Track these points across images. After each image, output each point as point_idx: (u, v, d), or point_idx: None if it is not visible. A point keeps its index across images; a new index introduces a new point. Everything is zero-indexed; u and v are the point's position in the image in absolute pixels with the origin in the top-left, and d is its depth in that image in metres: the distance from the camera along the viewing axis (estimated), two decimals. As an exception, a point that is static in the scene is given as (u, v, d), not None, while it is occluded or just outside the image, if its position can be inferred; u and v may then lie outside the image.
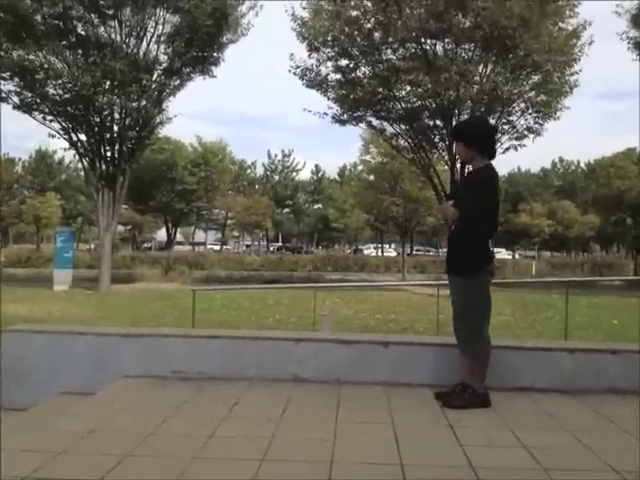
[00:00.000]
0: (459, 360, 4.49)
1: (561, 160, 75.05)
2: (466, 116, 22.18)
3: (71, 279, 22.54)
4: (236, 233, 71.79)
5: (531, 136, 22.60)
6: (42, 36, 19.32)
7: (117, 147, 21.91)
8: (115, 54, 20.00)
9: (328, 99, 22.92)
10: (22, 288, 19.67)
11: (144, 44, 21.31)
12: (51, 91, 20.84)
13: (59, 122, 21.42)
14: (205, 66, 22.27)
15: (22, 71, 19.60)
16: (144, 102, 21.03)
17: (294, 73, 22.48)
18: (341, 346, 5.03)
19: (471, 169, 4.52)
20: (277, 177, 74.13)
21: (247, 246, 72.28)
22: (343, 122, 23.54)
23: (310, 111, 22.99)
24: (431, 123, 23.05)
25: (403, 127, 23.62)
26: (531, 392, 4.69)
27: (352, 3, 21.37)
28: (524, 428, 3.77)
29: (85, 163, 22.45)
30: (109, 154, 21.98)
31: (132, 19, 20.83)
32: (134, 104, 21.07)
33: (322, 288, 16.02)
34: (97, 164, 21.86)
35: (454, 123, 22.06)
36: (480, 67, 21.48)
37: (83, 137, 21.84)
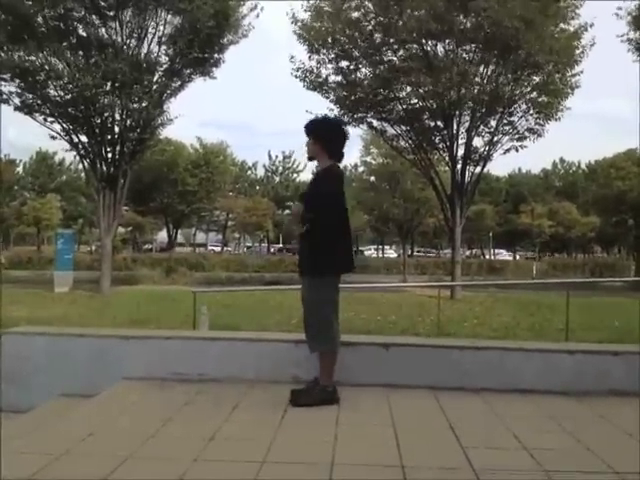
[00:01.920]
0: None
1: (562, 161, 75.03)
2: (467, 117, 22.21)
3: (72, 281, 22.55)
4: (237, 234, 71.77)
5: (532, 137, 22.60)
6: (43, 37, 19.35)
7: (118, 148, 21.90)
8: (116, 55, 20.02)
9: (329, 100, 22.94)
10: (23, 290, 19.68)
11: (145, 45, 21.35)
12: (52, 92, 20.85)
13: (60, 123, 21.43)
14: (206, 67, 22.29)
15: (23, 72, 19.60)
16: (145, 103, 21.03)
17: (295, 75, 22.51)
18: (342, 348, 5.02)
19: (318, 168, 4.61)
20: (278, 178, 74.15)
21: (248, 247, 72.26)
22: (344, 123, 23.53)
23: (311, 113, 23.00)
24: (432, 124, 23.05)
25: (404, 128, 23.61)
26: (532, 394, 4.68)
27: (353, 4, 21.38)
28: (525, 430, 3.77)
29: (86, 164, 22.47)
30: (110, 155, 21.98)
31: (133, 20, 20.85)
32: (135, 105, 21.09)
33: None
34: (98, 165, 21.87)
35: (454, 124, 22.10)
36: (481, 68, 21.48)
37: (84, 138, 21.86)
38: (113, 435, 3.60)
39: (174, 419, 3.93)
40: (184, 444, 3.41)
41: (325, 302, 4.40)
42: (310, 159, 4.61)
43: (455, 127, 22.29)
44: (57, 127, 21.47)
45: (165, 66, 21.83)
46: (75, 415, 4.13)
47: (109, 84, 20.52)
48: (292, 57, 22.19)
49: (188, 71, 22.29)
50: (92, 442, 3.44)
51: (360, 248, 72.03)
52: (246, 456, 3.21)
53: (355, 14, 21.37)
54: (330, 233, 4.31)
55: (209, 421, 3.85)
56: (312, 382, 4.47)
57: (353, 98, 22.19)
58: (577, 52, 20.98)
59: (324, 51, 21.96)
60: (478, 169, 23.34)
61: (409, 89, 22.36)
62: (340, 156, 4.59)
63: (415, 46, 21.42)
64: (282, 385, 4.77)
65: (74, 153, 23.02)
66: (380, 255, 64.21)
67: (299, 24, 21.83)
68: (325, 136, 4.51)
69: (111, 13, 20.52)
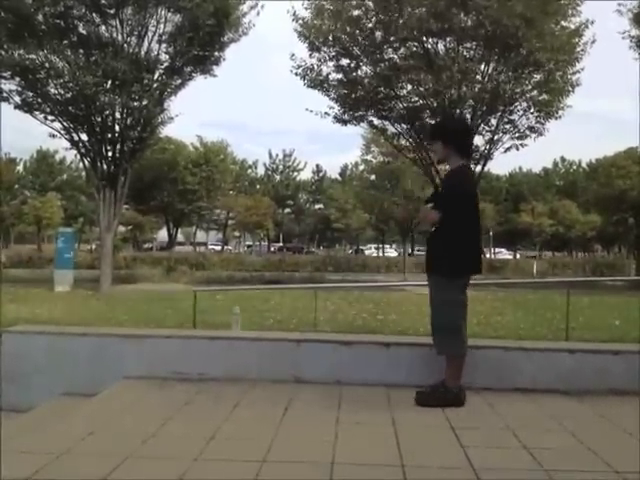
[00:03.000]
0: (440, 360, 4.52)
1: (563, 160, 75.07)
2: (468, 115, 22.19)
3: (72, 280, 22.51)
4: (237, 233, 71.82)
5: (533, 135, 22.58)
6: (43, 35, 19.32)
7: (118, 147, 21.85)
8: (116, 53, 19.98)
9: (329, 99, 22.94)
10: (23, 289, 19.66)
11: (145, 43, 21.28)
12: (52, 91, 20.80)
13: (60, 122, 21.39)
14: (206, 65, 22.25)
15: (23, 70, 19.56)
16: (146, 101, 21.00)
17: (295, 73, 22.50)
18: (342, 347, 5.03)
19: (448, 169, 4.59)
20: (278, 177, 74.17)
21: (248, 246, 72.29)
22: (344, 122, 23.53)
23: (312, 111, 23.00)
24: (432, 122, 23.03)
25: (404, 126, 23.61)
26: (532, 393, 4.69)
27: (354, 2, 21.37)
28: (525, 429, 3.77)
29: (86, 163, 22.42)
30: (110, 154, 21.92)
31: (133, 18, 20.80)
32: (136, 103, 21.04)
33: (323, 288, 16.02)
34: (98, 164, 21.82)
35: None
36: (482, 66, 21.47)
37: (84, 137, 21.81)
38: (113, 434, 3.60)
39: (174, 418, 3.93)
40: (185, 443, 3.41)
41: (454, 304, 4.39)
42: (440, 162, 4.63)
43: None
44: (57, 125, 21.47)
45: (165, 64, 21.79)
46: (75, 414, 4.13)
47: (109, 82, 20.49)
48: (293, 55, 22.22)
49: (188, 69, 22.24)
50: (92, 441, 3.45)
51: (360, 247, 72.09)
52: (247, 455, 3.22)
53: (356, 12, 21.37)
54: (461, 234, 4.31)
55: (209, 420, 3.85)
56: (437, 384, 4.42)
57: (354, 96, 22.19)
58: (578, 50, 20.97)
59: (325, 49, 21.96)
60: (479, 168, 23.32)
61: (410, 87, 22.36)
62: (470, 154, 4.61)
63: (416, 44, 21.41)
64: (283, 384, 4.78)
65: (74, 152, 23.01)
66: (380, 254, 64.19)
67: (300, 22, 21.83)
68: (455, 137, 4.50)
69: (111, 11, 20.46)
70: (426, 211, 4.47)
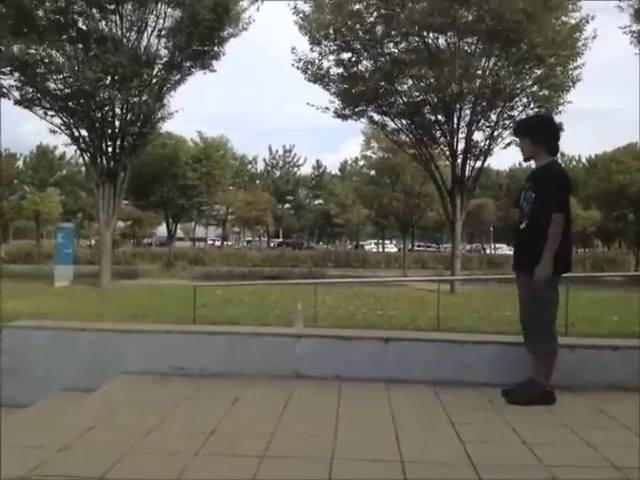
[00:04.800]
0: (527, 357, 4.49)
1: (562, 155, 74.85)
2: (468, 111, 22.17)
3: (72, 275, 22.53)
4: (237, 229, 71.82)
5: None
6: (43, 30, 19.29)
7: (118, 142, 21.87)
8: (116, 49, 19.96)
9: (330, 93, 22.91)
10: (22, 284, 19.67)
11: (145, 38, 21.29)
12: (52, 86, 20.81)
13: (60, 117, 21.40)
14: (206, 60, 22.22)
15: (23, 65, 19.56)
16: (145, 97, 20.99)
17: (297, 67, 22.47)
18: (342, 342, 5.03)
19: (537, 166, 4.54)
20: (278, 172, 74.16)
21: (248, 242, 72.29)
22: (345, 117, 23.51)
23: (313, 105, 22.97)
24: (432, 118, 23.01)
25: (404, 122, 23.58)
26: (532, 388, 4.68)
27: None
28: (525, 424, 3.78)
29: (86, 158, 22.44)
30: (110, 149, 21.94)
31: (133, 13, 20.80)
32: (135, 99, 21.05)
33: (323, 284, 16.03)
34: (98, 159, 21.83)
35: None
36: (482, 61, 21.42)
37: (84, 132, 21.82)
38: (113, 430, 3.60)
39: (174, 413, 3.93)
40: (184, 438, 3.41)
41: (549, 302, 4.38)
42: (527, 159, 4.60)
43: (456, 121, 22.25)
44: (57, 121, 21.46)
45: (165, 59, 21.78)
46: (75, 410, 4.13)
47: (109, 78, 20.49)
48: (293, 48, 22.18)
49: (188, 64, 22.23)
50: (92, 437, 3.44)
51: (360, 243, 72.06)
52: (246, 450, 3.21)
53: (357, 5, 21.30)
54: (560, 232, 4.22)
55: (209, 415, 3.85)
56: (525, 382, 4.40)
57: (354, 91, 22.16)
58: (579, 45, 20.92)
59: (325, 43, 21.92)
60: (479, 163, 23.31)
61: (410, 82, 22.33)
62: (557, 152, 4.61)
63: (416, 39, 21.36)
64: (283, 379, 4.79)
65: (74, 147, 23.00)
66: (380, 249, 64.16)
67: (300, 15, 21.79)
68: (544, 135, 4.50)
69: (111, 6, 20.46)
70: (541, 273, 4.21)
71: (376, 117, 24.21)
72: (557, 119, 21.76)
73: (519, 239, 4.63)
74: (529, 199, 4.40)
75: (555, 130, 4.72)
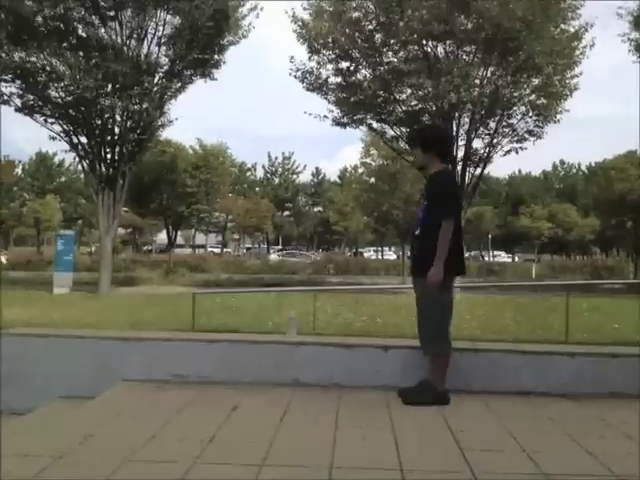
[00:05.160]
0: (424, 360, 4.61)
1: (562, 163, 75.22)
2: (467, 119, 22.19)
3: (71, 282, 22.49)
4: (236, 236, 71.81)
5: (531, 139, 22.56)
6: (43, 38, 19.32)
7: (118, 149, 21.89)
8: (116, 56, 19.97)
9: (328, 102, 22.92)
10: (22, 291, 19.64)
11: (145, 46, 21.29)
12: (53, 94, 20.83)
13: (60, 125, 21.40)
14: (206, 68, 22.25)
15: (24, 73, 19.60)
16: (145, 105, 21.00)
17: (294, 76, 22.48)
18: (341, 350, 5.03)
19: (429, 174, 4.70)
20: (277, 180, 74.25)
21: (247, 249, 72.30)
22: (343, 125, 23.52)
23: (310, 114, 22.97)
24: (411, 130, 22.96)
25: (403, 130, 23.60)
26: (531, 396, 4.69)
27: (354, 4, 21.33)
28: (524, 432, 3.78)
29: (85, 165, 22.43)
30: (109, 156, 21.95)
31: (133, 21, 20.82)
32: (136, 107, 21.05)
33: (322, 291, 16.01)
34: (97, 166, 21.83)
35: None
36: (481, 70, 21.45)
37: (84, 139, 21.81)
38: (113, 437, 3.60)
39: (174, 421, 3.93)
40: (184, 446, 3.41)
41: (441, 306, 4.47)
42: (419, 168, 4.76)
43: (455, 129, 22.27)
44: (57, 128, 21.48)
45: (165, 67, 21.80)
46: (74, 417, 4.13)
47: (109, 86, 20.50)
48: (292, 57, 22.19)
49: (188, 72, 22.25)
50: (91, 444, 3.44)
51: (359, 250, 72.02)
52: (246, 458, 3.22)
53: (355, 14, 21.32)
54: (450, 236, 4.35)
55: (208, 423, 3.85)
56: (422, 382, 4.53)
57: (353, 100, 22.17)
58: (577, 53, 20.95)
59: (324, 51, 21.93)
60: (478, 171, 23.33)
61: (409, 91, 22.34)
62: (450, 160, 4.74)
63: (415, 47, 21.40)
64: (282, 387, 4.78)
65: (73, 154, 22.99)
66: (379, 257, 64.15)
67: (299, 23, 21.82)
68: (434, 144, 4.65)
69: (111, 13, 20.48)
70: (433, 276, 4.31)
71: (375, 125, 24.24)
72: (555, 127, 21.86)
73: (414, 245, 4.75)
74: (422, 207, 4.58)
75: (445, 139, 4.95)
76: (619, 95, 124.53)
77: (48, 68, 19.70)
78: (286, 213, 75.11)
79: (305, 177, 76.59)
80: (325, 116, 22.84)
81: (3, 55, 19.19)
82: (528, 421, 4.12)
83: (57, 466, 3.07)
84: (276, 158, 74.45)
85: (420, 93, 21.57)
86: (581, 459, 3.34)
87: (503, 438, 3.68)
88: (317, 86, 22.61)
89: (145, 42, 21.27)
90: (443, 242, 4.25)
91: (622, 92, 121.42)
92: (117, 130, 21.79)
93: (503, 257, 67.87)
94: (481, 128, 22.45)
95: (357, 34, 21.26)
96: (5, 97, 20.50)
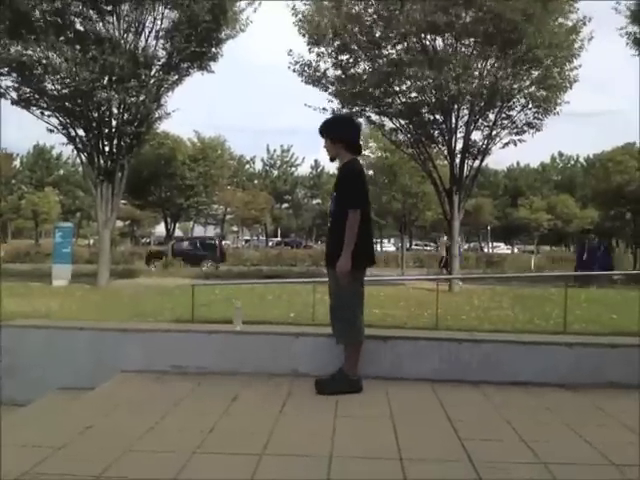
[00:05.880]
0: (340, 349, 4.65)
1: (560, 155, 75.12)
2: (466, 111, 22.15)
3: (70, 274, 22.51)
4: (235, 228, 71.79)
5: (530, 131, 22.53)
6: (40, 31, 19.24)
7: (115, 142, 21.84)
8: (113, 49, 19.92)
9: (327, 93, 22.84)
10: (21, 283, 19.66)
11: (142, 39, 21.23)
12: (49, 86, 20.78)
13: (57, 117, 21.35)
14: (203, 62, 22.19)
15: (20, 66, 19.53)
16: (143, 97, 20.95)
17: (293, 69, 22.41)
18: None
19: (339, 165, 4.73)
20: (276, 172, 74.15)
21: (246, 241, 72.27)
22: (342, 117, 23.41)
23: (310, 106, 22.89)
24: (431, 117, 22.96)
25: (402, 122, 23.53)
26: (530, 386, 4.70)
27: (353, -2, 21.25)
28: (523, 422, 3.78)
29: (83, 158, 22.40)
30: (107, 149, 21.91)
31: (130, 14, 20.76)
32: (133, 99, 20.99)
33: (321, 283, 16.01)
34: (95, 159, 21.79)
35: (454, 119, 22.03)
36: (480, 62, 21.38)
37: (81, 132, 21.78)
38: (112, 428, 3.61)
39: (173, 412, 3.94)
40: (183, 437, 3.41)
41: (352, 295, 4.52)
42: (332, 159, 4.72)
43: (454, 121, 22.21)
44: (54, 121, 21.42)
45: (162, 60, 21.73)
46: (73, 408, 4.14)
47: (106, 78, 20.43)
48: (290, 50, 22.11)
49: (185, 65, 22.19)
50: (90, 435, 3.45)
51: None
52: (245, 448, 3.22)
53: (355, 7, 21.25)
54: (360, 227, 4.41)
55: (208, 414, 3.86)
56: (335, 372, 4.57)
57: (352, 92, 22.10)
58: (576, 46, 20.91)
59: (324, 44, 21.85)
60: (477, 163, 23.30)
61: (408, 83, 22.26)
62: (359, 149, 4.82)
63: (414, 40, 21.32)
64: (281, 378, 4.79)
65: (71, 147, 22.95)
66: (378, 248, 64.20)
67: (299, 16, 21.74)
68: (341, 134, 4.68)
69: (108, 7, 20.43)
70: (341, 267, 4.38)
71: (374, 117, 24.16)
72: (554, 119, 21.84)
73: (327, 236, 4.83)
74: (333, 198, 4.63)
75: (353, 129, 4.92)
76: (617, 88, 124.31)
77: (44, 61, 19.62)
78: (285, 205, 75.04)
79: (304, 169, 76.48)
80: (324, 108, 22.78)
81: (0, 49, 19.14)
82: (527, 411, 4.13)
83: (57, 457, 3.08)
84: (275, 151, 74.36)
85: (419, 84, 21.50)
86: (580, 448, 3.35)
87: (502, 428, 3.69)
88: (316, 79, 22.54)
89: (143, 35, 21.22)
90: (350, 232, 4.30)
91: (620, 86, 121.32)
92: (114, 123, 21.74)
93: (502, 248, 67.91)
94: (480, 120, 22.40)
95: (357, 27, 21.19)
96: (1, 90, 20.44)
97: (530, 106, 22.02)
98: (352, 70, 22.26)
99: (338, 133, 4.69)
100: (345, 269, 4.31)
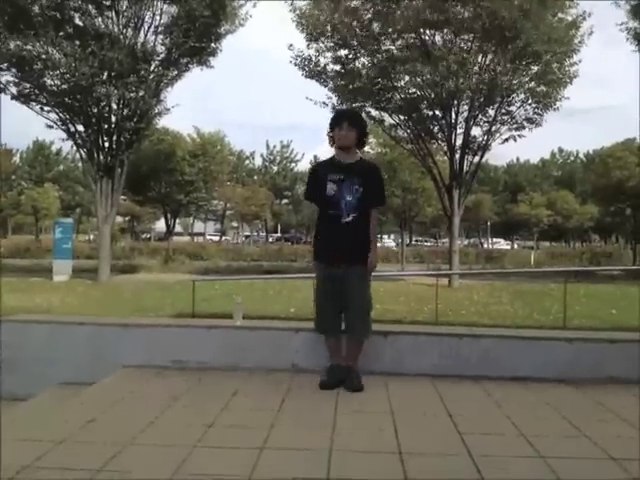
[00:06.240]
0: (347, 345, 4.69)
1: (560, 150, 75.02)
2: (466, 106, 22.13)
3: (71, 270, 22.53)
4: (235, 224, 71.74)
5: (530, 127, 22.53)
6: (40, 27, 19.22)
7: (115, 138, 21.84)
8: (113, 45, 19.90)
9: (327, 89, 22.86)
10: (21, 279, 19.68)
11: (141, 35, 21.23)
12: (49, 82, 20.77)
13: (57, 113, 21.35)
14: (203, 57, 22.17)
15: (20, 61, 19.52)
16: (142, 93, 20.93)
17: (294, 64, 22.43)
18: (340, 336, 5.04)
19: (358, 157, 4.65)
20: (276, 168, 74.07)
21: (246, 237, 72.26)
22: (342, 112, 23.39)
23: (311, 100, 22.92)
24: (430, 113, 22.97)
25: (402, 117, 23.53)
26: (529, 381, 4.71)
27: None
28: (522, 417, 3.79)
29: (83, 154, 22.40)
30: (107, 145, 21.91)
31: (129, 10, 20.74)
32: (132, 95, 20.98)
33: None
34: (95, 155, 21.79)
35: (454, 113, 22.00)
36: (479, 57, 21.37)
37: (81, 128, 21.79)
38: (112, 422, 3.62)
39: (173, 406, 3.94)
40: (183, 431, 3.42)
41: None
42: (345, 148, 4.59)
43: (453, 116, 22.22)
44: (54, 116, 21.42)
45: (162, 55, 21.72)
46: (74, 403, 4.14)
47: (105, 74, 20.41)
48: (290, 45, 22.13)
49: (185, 61, 22.18)
50: (91, 429, 3.46)
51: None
52: (245, 443, 3.23)
53: (354, 2, 21.26)
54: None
55: (208, 408, 3.87)
56: (353, 369, 4.58)
57: (351, 87, 22.11)
58: (575, 41, 20.89)
59: (323, 40, 21.86)
60: (476, 158, 23.30)
61: (407, 78, 22.26)
62: (363, 145, 4.83)
63: (413, 35, 21.31)
64: (281, 373, 4.80)
65: (71, 143, 22.94)
66: (378, 244, 64.11)
67: (297, 12, 21.74)
68: (365, 129, 4.76)
69: (107, 3, 20.42)
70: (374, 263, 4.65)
71: (373, 113, 24.16)
72: (553, 114, 21.84)
73: (339, 231, 4.72)
74: (353, 189, 4.59)
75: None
76: (617, 84, 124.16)
77: (44, 56, 19.60)
78: (285, 201, 74.98)
79: (303, 165, 76.32)
80: (324, 103, 22.79)
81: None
82: (526, 406, 4.14)
83: (58, 451, 3.09)
84: (274, 147, 74.26)
85: (418, 80, 21.49)
86: (580, 443, 3.36)
87: (501, 422, 3.70)
88: (316, 73, 22.57)
89: (142, 31, 21.23)
90: (375, 229, 4.65)
91: (620, 81, 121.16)
92: (114, 118, 21.73)
93: (502, 244, 67.91)
94: (480, 116, 22.40)
95: (355, 23, 21.18)
96: (1, 85, 20.43)
97: (530, 101, 22.02)
98: (351, 65, 22.27)
99: (365, 127, 4.72)
100: (376, 264, 4.57)
